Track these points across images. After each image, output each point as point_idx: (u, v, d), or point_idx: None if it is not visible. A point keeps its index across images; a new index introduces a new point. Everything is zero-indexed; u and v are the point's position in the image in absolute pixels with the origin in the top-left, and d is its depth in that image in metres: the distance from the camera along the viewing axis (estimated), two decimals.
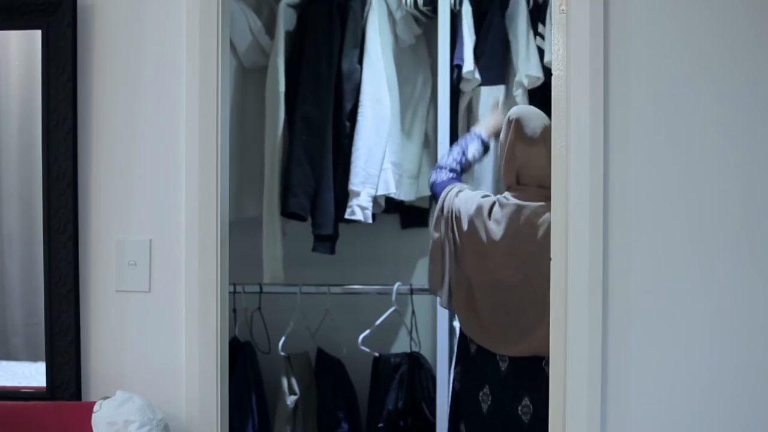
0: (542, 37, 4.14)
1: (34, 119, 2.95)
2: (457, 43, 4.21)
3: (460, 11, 4.24)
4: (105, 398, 2.81)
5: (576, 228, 2.75)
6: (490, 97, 4.24)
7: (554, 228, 2.82)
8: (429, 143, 4.47)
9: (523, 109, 3.65)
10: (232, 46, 4.05)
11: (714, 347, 2.73)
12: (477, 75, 4.22)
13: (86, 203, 2.97)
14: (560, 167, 2.79)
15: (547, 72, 4.05)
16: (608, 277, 2.74)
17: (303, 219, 4.17)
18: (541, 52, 4.15)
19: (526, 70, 4.14)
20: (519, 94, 4.19)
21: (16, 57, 3.04)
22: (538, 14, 4.19)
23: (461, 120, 4.34)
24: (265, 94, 4.23)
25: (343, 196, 4.17)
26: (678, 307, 2.74)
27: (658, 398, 2.75)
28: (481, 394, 3.57)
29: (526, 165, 3.53)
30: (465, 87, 4.28)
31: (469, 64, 4.18)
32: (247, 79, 4.34)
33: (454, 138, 4.20)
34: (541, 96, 4.13)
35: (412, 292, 4.27)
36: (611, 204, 2.75)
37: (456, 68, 4.20)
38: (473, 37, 4.23)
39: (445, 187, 3.70)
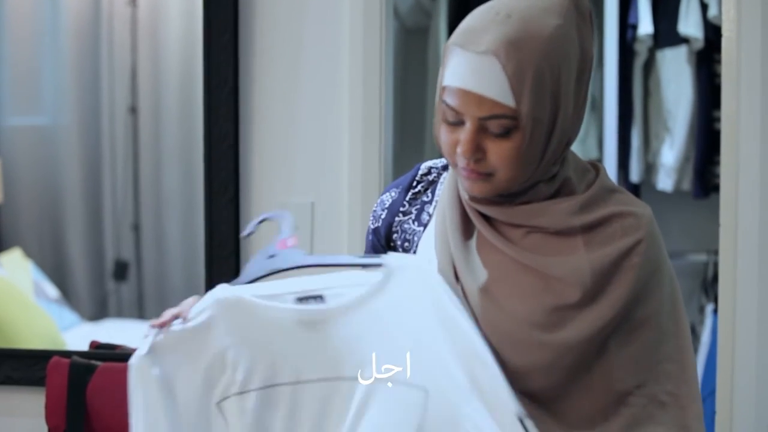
0: None
1: (195, 80, 2.94)
2: (632, 2, 4.08)
3: None
4: None
5: (745, 196, 2.67)
6: (674, 60, 4.10)
7: (724, 198, 2.73)
8: (595, 106, 4.35)
9: None
10: (394, 7, 4.01)
11: None
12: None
13: (247, 165, 2.94)
14: (730, 135, 2.69)
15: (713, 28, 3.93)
16: None
17: None
18: (704, 8, 3.98)
19: (684, 28, 3.99)
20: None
21: (177, 16, 3.05)
22: None
23: (636, 81, 4.23)
24: (428, 57, 4.18)
25: None
26: None
27: None
28: None
29: None
30: (639, 47, 4.15)
31: (646, 26, 4.05)
32: (410, 40, 4.29)
33: (623, 100, 4.11)
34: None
35: None
36: None
37: (631, 28, 4.08)
38: None
39: None
